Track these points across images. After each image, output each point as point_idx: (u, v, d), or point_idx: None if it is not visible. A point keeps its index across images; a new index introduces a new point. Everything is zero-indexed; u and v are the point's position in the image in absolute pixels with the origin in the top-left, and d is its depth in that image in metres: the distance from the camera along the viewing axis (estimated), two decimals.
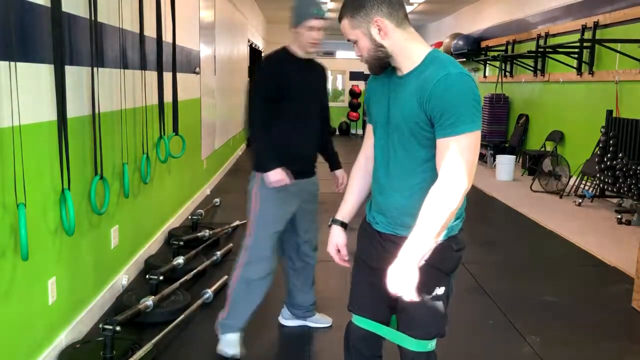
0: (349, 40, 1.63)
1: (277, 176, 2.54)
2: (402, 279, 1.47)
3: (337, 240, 1.86)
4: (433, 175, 1.54)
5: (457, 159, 1.47)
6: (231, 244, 4.24)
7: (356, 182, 1.87)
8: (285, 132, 2.62)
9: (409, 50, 1.58)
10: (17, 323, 2.25)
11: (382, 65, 1.61)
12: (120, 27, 3.26)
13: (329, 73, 2.62)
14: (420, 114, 1.55)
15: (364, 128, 12.27)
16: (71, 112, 2.56)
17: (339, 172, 2.96)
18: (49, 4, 2.36)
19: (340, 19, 1.61)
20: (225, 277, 3.59)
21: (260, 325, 2.97)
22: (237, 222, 4.90)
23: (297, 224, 2.82)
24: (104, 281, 3.20)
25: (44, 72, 2.39)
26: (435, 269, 1.63)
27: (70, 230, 2.51)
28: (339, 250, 1.86)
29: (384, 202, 1.70)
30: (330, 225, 1.88)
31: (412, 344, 1.71)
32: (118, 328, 2.54)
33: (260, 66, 2.80)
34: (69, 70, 2.55)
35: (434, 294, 1.66)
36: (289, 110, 2.61)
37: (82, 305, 2.89)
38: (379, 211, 1.74)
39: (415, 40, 1.59)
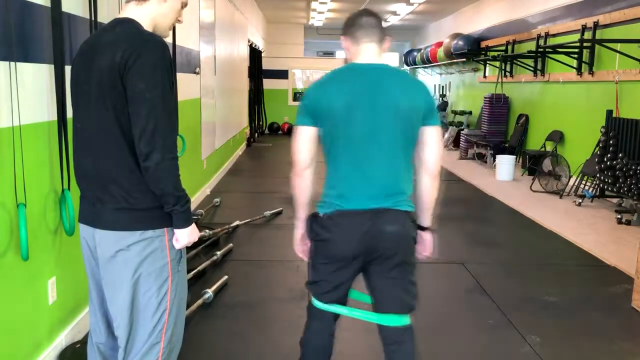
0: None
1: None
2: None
3: None
4: None
5: None
6: (231, 244, 4.23)
7: None
8: None
9: None
10: (17, 323, 2.25)
11: None
12: None
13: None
14: None
15: None
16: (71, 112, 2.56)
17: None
18: (49, 4, 2.36)
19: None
20: (226, 277, 3.60)
21: (258, 320, 2.97)
22: (237, 222, 4.90)
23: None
24: None
25: (44, 72, 2.39)
26: None
27: (70, 230, 2.51)
28: None
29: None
30: None
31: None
32: None
33: (153, 50, 1.64)
34: (69, 70, 2.55)
35: None
36: None
37: (82, 305, 2.89)
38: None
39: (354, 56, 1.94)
